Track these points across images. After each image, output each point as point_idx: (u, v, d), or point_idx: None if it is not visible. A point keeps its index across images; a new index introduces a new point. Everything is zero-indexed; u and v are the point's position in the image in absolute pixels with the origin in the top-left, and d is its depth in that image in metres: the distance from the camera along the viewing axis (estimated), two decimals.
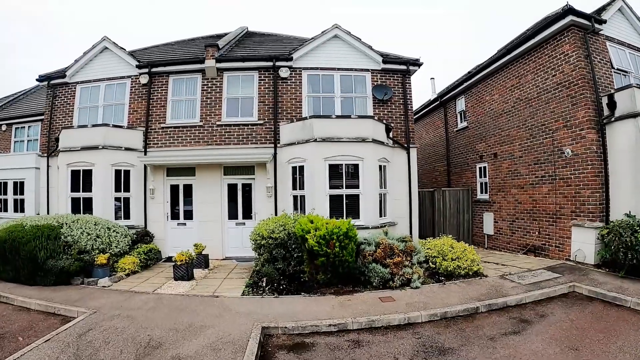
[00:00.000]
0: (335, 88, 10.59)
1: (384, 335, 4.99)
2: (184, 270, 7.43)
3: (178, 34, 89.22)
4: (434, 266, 7.71)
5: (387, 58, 10.78)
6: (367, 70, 10.80)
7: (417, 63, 10.97)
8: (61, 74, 11.23)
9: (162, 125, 10.25)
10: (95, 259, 7.66)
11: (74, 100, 11.32)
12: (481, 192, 13.19)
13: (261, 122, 10.01)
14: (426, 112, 16.68)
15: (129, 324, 4.97)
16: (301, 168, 9.36)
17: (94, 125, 10.23)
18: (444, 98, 15.44)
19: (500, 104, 12.07)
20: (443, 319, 5.50)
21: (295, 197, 9.50)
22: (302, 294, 6.50)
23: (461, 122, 14.57)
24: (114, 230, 8.67)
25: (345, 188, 9.23)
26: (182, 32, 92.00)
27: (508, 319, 5.36)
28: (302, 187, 9.32)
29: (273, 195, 9.70)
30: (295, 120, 9.74)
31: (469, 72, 15.03)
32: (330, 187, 9.14)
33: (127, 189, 10.13)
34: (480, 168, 13.20)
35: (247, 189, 10.06)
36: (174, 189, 10.13)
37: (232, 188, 10.03)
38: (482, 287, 6.79)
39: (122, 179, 10.05)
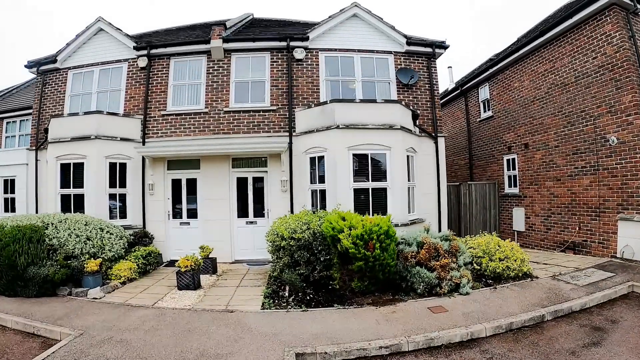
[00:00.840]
0: (355, 71, 9.50)
1: (448, 357, 3.99)
2: (190, 278, 6.31)
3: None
4: (479, 267, 6.75)
5: (411, 40, 9.71)
6: (390, 52, 9.73)
7: (443, 45, 9.94)
8: (52, 59, 10.09)
9: (163, 112, 9.13)
10: (85, 265, 6.54)
11: (66, 87, 10.20)
12: (509, 186, 12.22)
13: (274, 108, 8.90)
14: (444, 102, 15.60)
15: (122, 353, 3.84)
16: (321, 159, 8.26)
17: (85, 113, 9.11)
18: (465, 87, 14.40)
19: (532, 91, 11.10)
20: (509, 331, 4.66)
21: (313, 192, 8.39)
22: (335, 305, 5.39)
23: (485, 111, 13.55)
24: (107, 232, 7.53)
25: (372, 181, 8.15)
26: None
27: (579, 327, 4.70)
28: (321, 181, 8.22)
29: (288, 190, 8.59)
30: (312, 105, 8.64)
31: (490, 60, 14.05)
32: (355, 180, 8.05)
33: (123, 185, 8.99)
34: (508, 160, 12.21)
35: (259, 183, 8.93)
36: (176, 184, 9.00)
37: (241, 182, 8.90)
38: (538, 290, 5.92)
39: (117, 173, 8.92)
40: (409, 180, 8.67)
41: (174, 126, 9.01)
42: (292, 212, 8.43)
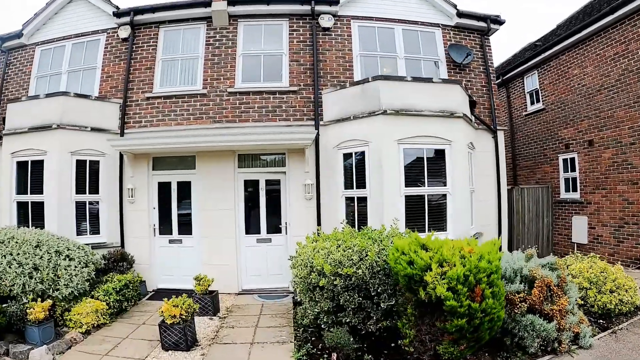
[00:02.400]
0: (396, 46, 7.44)
1: None
2: (179, 334, 4.15)
3: None
4: (583, 302, 4.99)
5: (461, 12, 7.72)
6: (437, 25, 7.72)
7: (498, 20, 8.01)
8: (16, 34, 7.97)
9: (148, 94, 6.97)
10: (28, 310, 4.39)
11: (32, 67, 8.08)
12: (567, 190, 10.26)
13: (294, 88, 6.76)
14: None
15: None
16: (360, 155, 6.16)
17: (47, 95, 6.96)
18: (506, 76, 12.42)
19: (597, 78, 9.18)
20: None
21: (349, 201, 6.28)
22: None
23: (533, 103, 11.58)
24: (66, 256, 5.36)
25: (427, 185, 6.09)
26: None
27: None
28: (360, 185, 6.12)
29: (314, 198, 6.45)
30: (347, 85, 6.53)
31: (535, 45, 12.12)
32: (406, 185, 5.98)
33: (94, 190, 6.83)
34: (565, 160, 10.23)
35: (274, 188, 6.77)
36: (164, 188, 6.82)
37: (251, 187, 6.74)
38: None
39: (87, 175, 6.76)
40: (469, 183, 6.64)
41: (161, 112, 6.85)
42: (319, 225, 6.30)
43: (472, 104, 7.29)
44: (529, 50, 12.51)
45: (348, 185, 6.30)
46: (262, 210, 6.65)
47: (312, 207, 6.41)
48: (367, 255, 4.06)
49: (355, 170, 6.20)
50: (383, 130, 5.93)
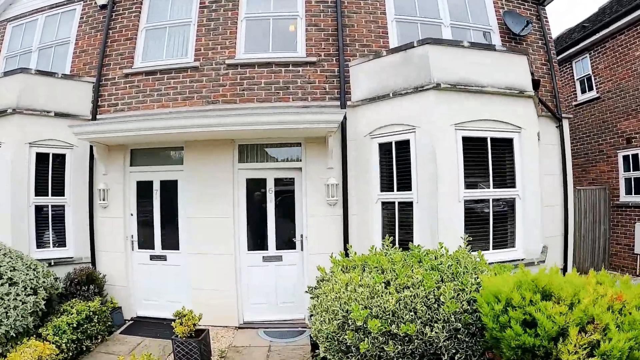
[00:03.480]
0: (440, 10, 5.80)
1: None
2: None
3: None
4: None
5: None
6: None
7: None
8: None
9: (127, 70, 5.49)
10: None
11: (2, 46, 6.81)
12: (628, 193, 8.58)
13: (313, 59, 5.16)
14: None
15: None
16: (403, 146, 4.57)
17: (5, 74, 5.57)
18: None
19: None
20: None
21: (387, 206, 4.69)
22: None
23: (584, 92, 9.83)
24: (7, 280, 3.92)
25: (493, 186, 4.49)
26: None
27: None
28: (404, 186, 4.53)
29: (340, 202, 4.83)
30: (384, 53, 4.93)
31: (583, 27, 10.34)
32: (467, 186, 4.37)
33: (59, 191, 5.40)
34: (626, 157, 8.57)
35: (287, 189, 5.19)
36: (144, 190, 5.30)
37: (256, 188, 5.17)
38: None
39: (49, 172, 5.34)
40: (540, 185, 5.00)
41: (142, 92, 5.35)
42: (346, 241, 4.72)
43: (535, 84, 5.59)
44: (576, 32, 10.77)
45: (386, 186, 4.71)
46: (270, 219, 5.07)
47: (337, 215, 4.81)
48: (439, 302, 2.45)
49: (397, 166, 4.59)
50: (436, 111, 4.33)
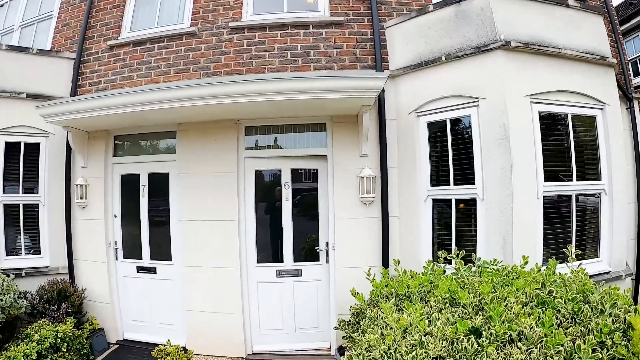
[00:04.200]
0: None
1: None
2: None
3: None
4: None
5: None
6: None
7: None
8: None
9: (113, 42, 4.51)
10: None
11: None
12: None
13: (339, 19, 4.04)
14: None
15: None
16: (463, 125, 3.42)
17: None
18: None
19: None
20: None
21: (439, 206, 3.54)
22: None
23: (638, 75, 8.43)
24: None
25: (577, 178, 3.30)
26: None
27: None
28: (463, 179, 3.36)
29: (377, 199, 3.68)
30: (430, 8, 3.78)
31: (631, 4, 8.83)
32: (546, 178, 3.20)
33: (32, 188, 4.47)
34: None
35: (308, 186, 4.08)
36: (130, 185, 4.27)
37: (268, 182, 4.09)
38: None
39: (20, 165, 4.41)
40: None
41: (129, 66, 4.34)
42: (385, 251, 3.58)
43: None
44: (622, 8, 9.36)
45: (438, 178, 3.55)
46: (287, 222, 3.96)
47: (374, 217, 3.66)
48: None
49: (453, 152, 3.43)
50: (506, 77, 3.17)
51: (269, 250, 3.97)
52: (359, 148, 3.74)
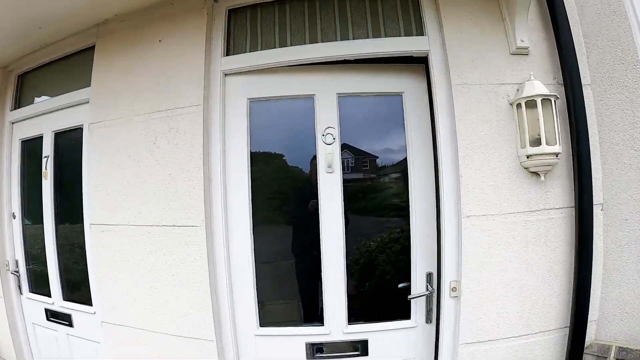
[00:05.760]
0: None
1: None
2: None
3: None
4: None
5: None
6: None
7: None
8: None
9: None
10: None
11: None
12: None
13: None
14: None
15: None
16: None
17: None
18: None
19: None
20: None
21: None
22: None
23: None
24: None
25: None
26: None
27: None
28: None
29: (564, 160, 1.34)
30: None
31: None
32: None
33: None
34: None
35: (377, 142, 1.69)
36: (35, 158, 2.23)
37: (276, 133, 1.77)
38: None
39: None
40: None
41: None
42: (582, 307, 1.26)
43: None
44: None
45: None
46: (331, 229, 1.60)
47: (554, 207, 1.32)
48: None
49: None
50: None
51: (287, 294, 1.73)
52: (505, 33, 1.42)
